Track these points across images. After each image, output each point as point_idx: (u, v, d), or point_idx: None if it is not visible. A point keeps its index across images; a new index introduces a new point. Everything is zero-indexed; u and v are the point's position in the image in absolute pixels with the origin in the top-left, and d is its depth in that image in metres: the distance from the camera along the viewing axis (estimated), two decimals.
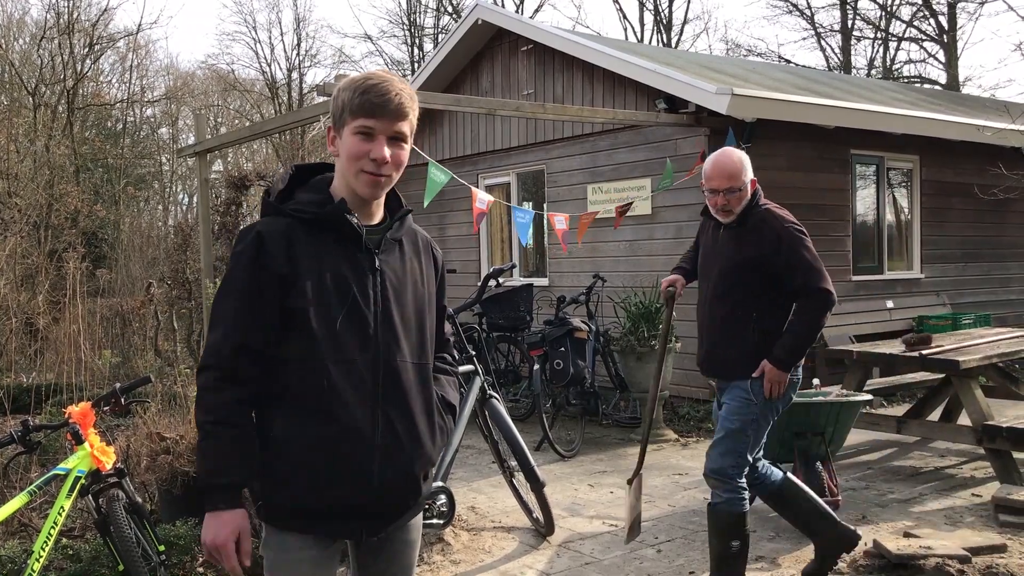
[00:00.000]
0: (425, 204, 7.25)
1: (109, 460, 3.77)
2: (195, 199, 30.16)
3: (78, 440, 3.71)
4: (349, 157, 2.14)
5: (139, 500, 3.94)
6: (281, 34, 54.04)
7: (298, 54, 36.00)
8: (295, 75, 30.91)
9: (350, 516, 2.16)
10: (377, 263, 2.18)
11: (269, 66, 33.64)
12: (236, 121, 30.52)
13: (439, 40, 29.54)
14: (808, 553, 4.73)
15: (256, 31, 43.99)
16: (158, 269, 15.78)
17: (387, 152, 2.12)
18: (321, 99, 6.63)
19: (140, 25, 34.12)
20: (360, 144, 2.12)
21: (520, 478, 5.10)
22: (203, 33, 48.51)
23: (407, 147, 2.19)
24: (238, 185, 11.13)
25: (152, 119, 28.33)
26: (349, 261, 2.16)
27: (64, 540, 4.45)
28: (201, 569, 4.28)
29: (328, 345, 2.11)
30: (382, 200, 2.25)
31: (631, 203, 8.26)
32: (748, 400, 3.98)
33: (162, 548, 3.95)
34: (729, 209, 4.03)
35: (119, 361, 10.61)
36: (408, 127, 2.17)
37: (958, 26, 25.79)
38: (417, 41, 30.02)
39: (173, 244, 13.81)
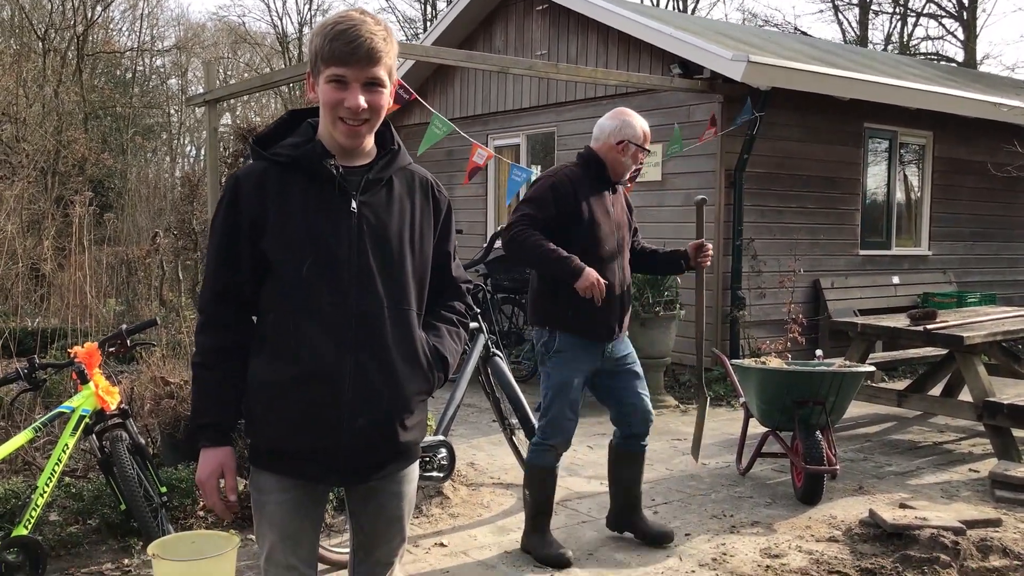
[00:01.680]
0: (419, 152, 7.19)
1: (114, 400, 3.79)
2: (203, 151, 30.10)
3: (83, 380, 3.73)
4: (325, 106, 2.11)
5: (142, 442, 3.97)
6: None
7: (309, 8, 35.68)
8: (306, 29, 30.66)
9: (322, 461, 2.16)
10: (354, 205, 2.13)
11: (280, 20, 33.53)
12: (246, 74, 30.33)
13: None
14: (804, 520, 4.78)
15: None
16: (164, 219, 15.80)
17: (362, 100, 2.07)
18: None
19: None
20: (334, 93, 2.07)
21: (520, 436, 5.13)
22: None
23: (385, 90, 2.12)
24: (246, 137, 11.09)
25: (162, 69, 28.21)
26: (323, 204, 2.12)
27: (67, 479, 4.49)
28: (202, 512, 4.32)
29: (298, 292, 2.10)
30: (371, 140, 2.20)
31: (640, 168, 8.20)
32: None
33: (164, 490, 3.98)
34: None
35: (123, 309, 10.66)
36: (384, 70, 2.09)
37: (978, 3, 25.48)
38: None
39: (180, 195, 13.80)
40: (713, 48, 8.00)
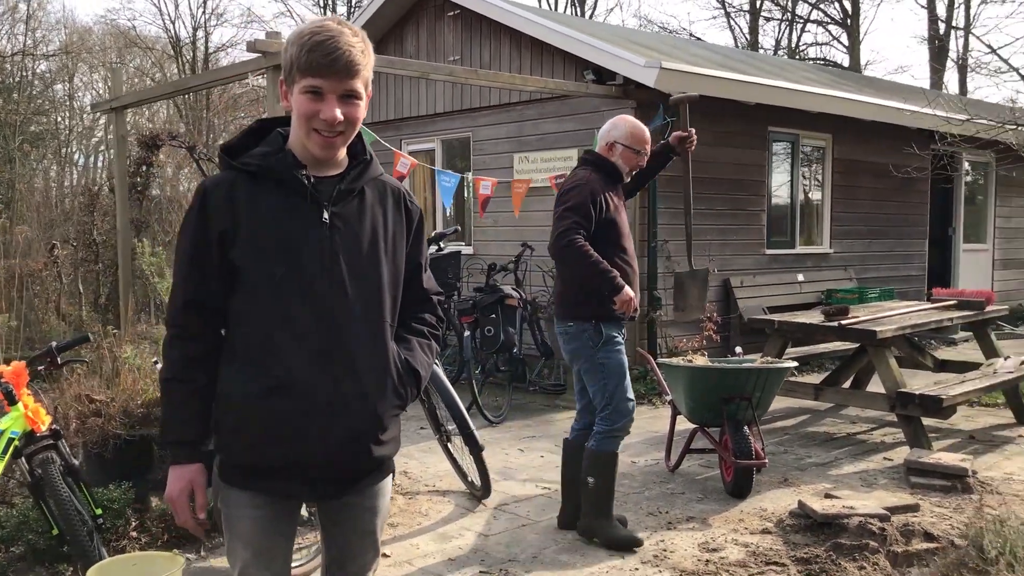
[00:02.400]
0: None
1: (44, 422, 3.64)
2: (93, 159, 29.01)
3: (11, 400, 3.57)
4: (300, 116, 2.08)
5: (75, 463, 3.82)
6: None
7: (204, 12, 34.90)
8: (200, 33, 29.94)
9: (294, 476, 2.12)
10: (326, 215, 2.10)
11: (173, 23, 32.56)
12: (136, 80, 29.36)
13: (352, 2, 28.98)
14: (736, 513, 4.91)
15: None
16: (58, 231, 15.14)
17: (338, 112, 2.05)
18: (251, 55, 6.43)
19: None
20: (310, 104, 2.05)
21: (457, 442, 5.13)
22: None
23: (361, 103, 2.11)
24: (149, 145, 10.75)
25: (47, 75, 27.04)
26: (294, 215, 2.09)
27: None
28: (135, 533, 4.19)
29: (268, 301, 2.07)
30: (343, 150, 2.18)
31: (564, 174, 8.30)
32: None
33: (99, 511, 3.83)
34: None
35: (17, 324, 10.18)
36: (361, 83, 2.08)
37: (861, 11, 26.65)
38: (330, 2, 29.34)
39: (79, 204, 13.27)
40: (627, 55, 8.16)
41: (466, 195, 10.21)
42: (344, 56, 2.02)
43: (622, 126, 4.49)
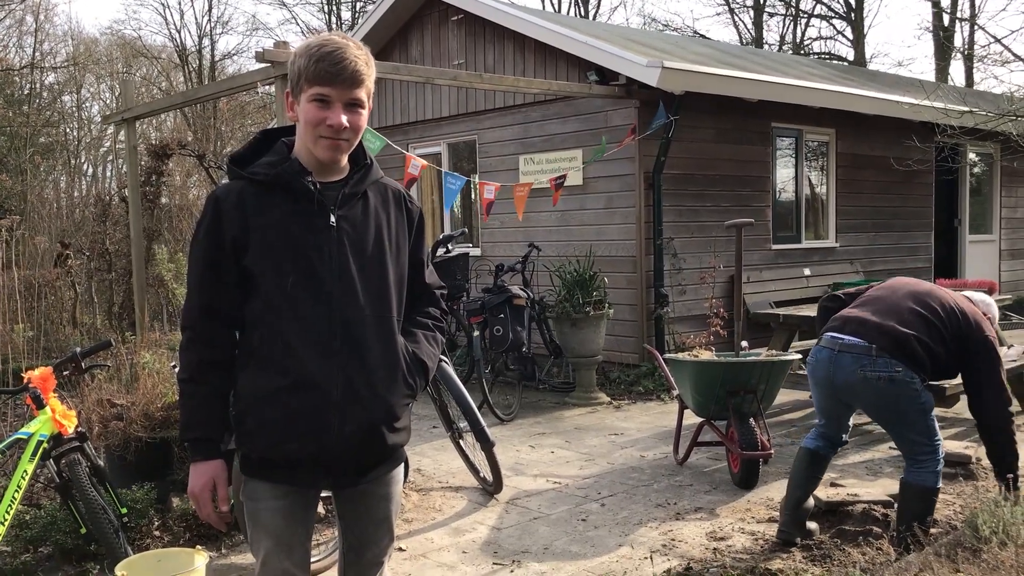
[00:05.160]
0: None
1: (71, 424, 3.77)
2: (101, 169, 29.22)
3: (39, 404, 3.70)
4: (307, 124, 2.21)
5: (100, 463, 3.95)
6: (191, 0, 52.33)
7: (209, 21, 35.18)
8: (206, 42, 30.17)
9: (313, 467, 2.25)
10: (333, 219, 2.23)
11: (179, 32, 32.84)
12: (143, 89, 29.59)
13: (357, 8, 29.14)
14: (744, 503, 5.02)
15: None
16: (71, 240, 15.30)
17: (344, 119, 2.18)
18: (259, 65, 6.56)
19: None
20: (317, 111, 2.18)
21: (469, 439, 5.24)
22: None
23: (364, 112, 2.25)
24: (159, 154, 10.90)
25: (55, 86, 27.27)
26: (303, 219, 2.21)
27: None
28: (157, 532, 4.31)
29: (282, 303, 2.19)
30: (345, 158, 2.31)
31: (564, 176, 8.42)
32: None
33: (124, 510, 3.97)
34: None
35: (34, 334, 10.34)
36: (365, 92, 2.23)
37: (864, 5, 26.69)
38: (335, 9, 29.54)
39: (91, 215, 13.44)
40: (628, 55, 8.26)
41: (473, 197, 10.34)
42: (350, 66, 2.17)
43: None
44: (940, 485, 4.04)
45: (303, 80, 2.19)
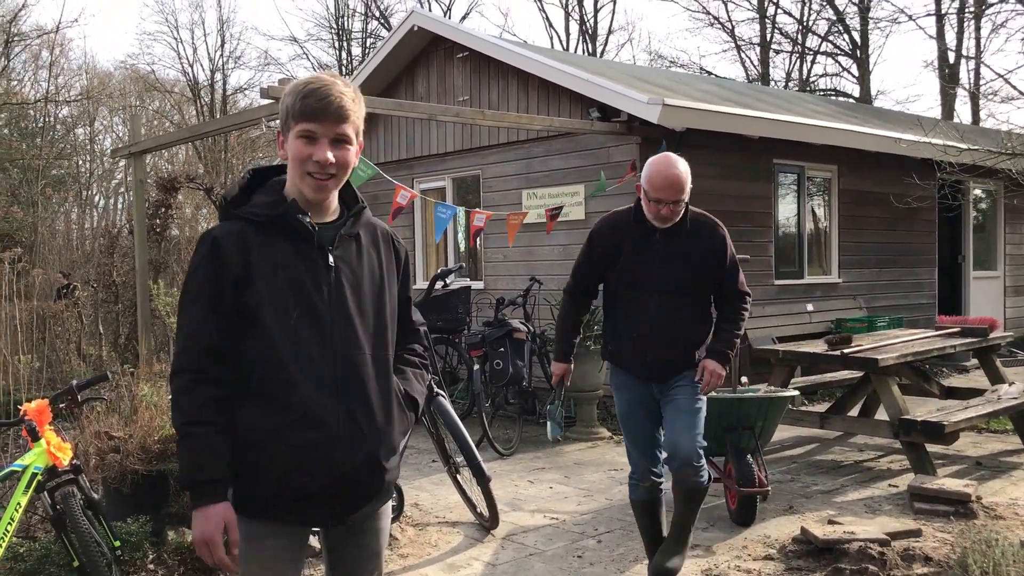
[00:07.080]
0: None
1: (66, 457, 3.79)
2: (113, 201, 29.49)
3: (34, 437, 3.73)
4: (294, 160, 2.23)
5: (95, 496, 3.97)
6: (204, 35, 53.24)
7: (222, 55, 35.61)
8: (218, 76, 30.52)
9: (317, 503, 2.25)
10: (332, 260, 2.25)
11: (191, 67, 33.24)
12: (155, 122, 29.94)
13: (367, 45, 29.50)
14: (740, 540, 4.99)
15: (178, 31, 43.06)
16: (79, 272, 15.45)
17: (330, 155, 2.20)
18: (265, 101, 6.66)
19: (60, 24, 33.09)
20: (303, 147, 2.20)
21: (466, 474, 5.24)
22: (123, 32, 47.53)
23: (352, 148, 2.26)
24: (167, 187, 11.03)
25: (69, 119, 27.62)
26: (303, 260, 2.24)
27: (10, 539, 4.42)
28: (152, 566, 4.32)
29: (286, 343, 2.20)
30: (335, 197, 2.33)
31: (561, 207, 8.49)
32: (696, 387, 4.11)
33: (118, 544, 3.98)
34: (670, 218, 4.07)
35: (40, 365, 10.39)
36: (351, 128, 2.24)
37: (870, 42, 26.88)
38: (345, 45, 29.90)
39: (99, 247, 13.56)
40: (630, 93, 8.34)
41: (463, 224, 10.38)
42: (336, 102, 2.19)
43: (647, 166, 4.05)
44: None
45: (290, 117, 2.23)
